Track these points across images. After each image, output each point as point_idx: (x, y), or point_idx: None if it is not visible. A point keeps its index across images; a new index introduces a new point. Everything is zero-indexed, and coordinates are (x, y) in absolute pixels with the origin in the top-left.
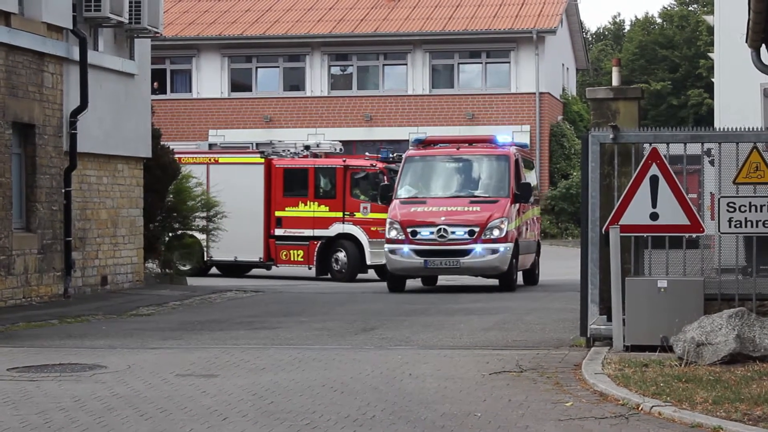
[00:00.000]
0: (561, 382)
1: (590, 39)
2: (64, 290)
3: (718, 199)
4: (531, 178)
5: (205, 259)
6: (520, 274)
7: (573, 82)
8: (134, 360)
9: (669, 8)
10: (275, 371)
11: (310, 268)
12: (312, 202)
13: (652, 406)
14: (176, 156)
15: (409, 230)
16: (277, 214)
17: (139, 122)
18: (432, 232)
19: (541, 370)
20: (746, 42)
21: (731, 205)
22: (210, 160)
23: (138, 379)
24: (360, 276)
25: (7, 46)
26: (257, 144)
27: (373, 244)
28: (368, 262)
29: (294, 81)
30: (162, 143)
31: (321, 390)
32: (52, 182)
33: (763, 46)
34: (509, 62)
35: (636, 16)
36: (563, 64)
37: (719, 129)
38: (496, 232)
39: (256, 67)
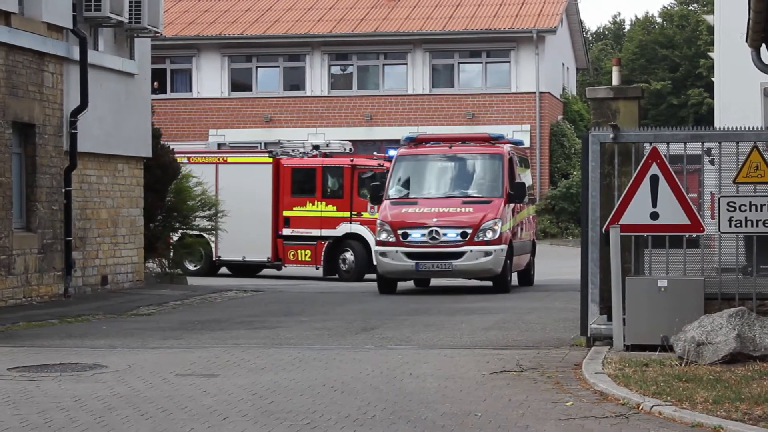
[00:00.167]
0: (561, 382)
1: (590, 38)
2: (64, 290)
3: (719, 198)
4: (526, 176)
5: (214, 258)
6: (515, 275)
7: (573, 81)
8: (135, 359)
9: (669, 8)
10: (275, 371)
11: (317, 268)
12: (319, 202)
13: (653, 406)
14: (185, 155)
15: (399, 232)
16: (285, 213)
17: (139, 122)
18: (423, 234)
19: (542, 369)
20: (746, 41)
21: (731, 204)
22: (219, 159)
23: (138, 379)
24: (368, 276)
25: (8, 46)
26: (266, 144)
27: None
28: (376, 262)
29: (294, 80)
30: (162, 143)
31: (321, 390)
32: (52, 182)
33: (764, 45)
34: (509, 62)
35: (636, 16)
36: (563, 64)
37: (719, 128)
38: (489, 234)
39: (257, 67)
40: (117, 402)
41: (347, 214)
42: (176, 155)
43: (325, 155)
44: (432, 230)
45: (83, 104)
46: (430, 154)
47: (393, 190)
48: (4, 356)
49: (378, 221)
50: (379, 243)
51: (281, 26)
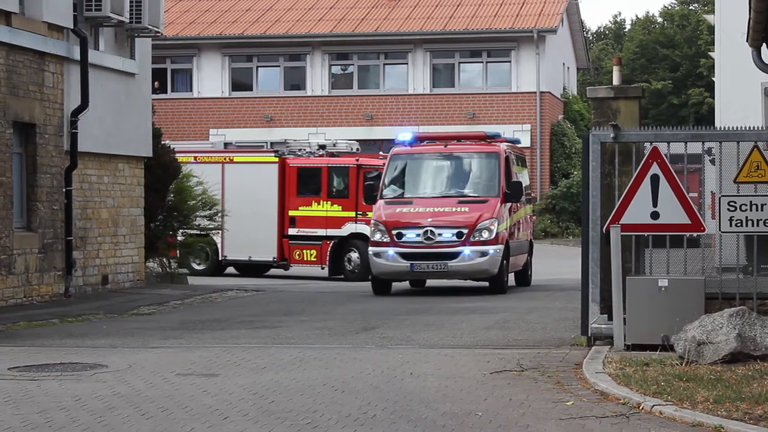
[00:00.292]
0: (562, 381)
1: (591, 38)
2: (65, 289)
3: (719, 198)
4: (523, 175)
5: (220, 258)
6: (512, 276)
7: (574, 81)
8: (135, 359)
9: (670, 7)
10: (276, 370)
11: (323, 268)
12: (325, 202)
13: (653, 405)
14: (192, 155)
15: (394, 232)
16: (291, 213)
17: (139, 121)
18: (418, 234)
19: (542, 369)
20: (747, 41)
21: (732, 204)
22: (225, 159)
23: (139, 379)
24: None
25: (8, 46)
26: (272, 143)
27: None
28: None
29: (295, 80)
30: (163, 142)
31: (322, 389)
32: (52, 181)
33: (764, 45)
34: (510, 61)
35: (637, 15)
36: (564, 64)
37: (720, 128)
38: (485, 234)
39: (257, 67)
40: (118, 401)
41: (353, 214)
42: (183, 154)
43: (332, 155)
44: (427, 230)
45: (84, 104)
46: (426, 153)
47: (388, 190)
48: (4, 356)
49: (372, 221)
50: (373, 243)
51: (282, 26)
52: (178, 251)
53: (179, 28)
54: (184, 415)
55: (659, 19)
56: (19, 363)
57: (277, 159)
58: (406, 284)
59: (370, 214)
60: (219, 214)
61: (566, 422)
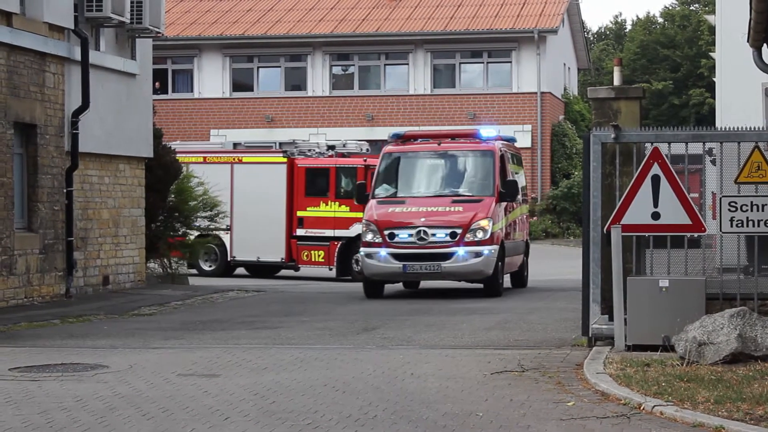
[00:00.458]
0: (563, 382)
1: (592, 38)
2: (65, 290)
3: (720, 198)
4: (520, 175)
5: (229, 259)
6: (507, 277)
7: (574, 81)
8: (136, 360)
9: (670, 8)
10: (277, 371)
11: (330, 269)
12: (333, 202)
13: (654, 406)
14: (202, 155)
15: (386, 232)
16: (299, 214)
17: (140, 122)
18: (411, 235)
19: (543, 369)
20: (747, 41)
21: (733, 204)
22: (234, 159)
23: (140, 379)
24: None
25: (9, 46)
26: (281, 143)
27: None
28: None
29: (295, 81)
30: (164, 143)
31: (323, 390)
32: (53, 182)
33: (765, 45)
34: (511, 62)
35: (637, 16)
36: (565, 64)
37: (721, 128)
38: (480, 234)
39: (258, 67)
40: (118, 402)
41: (360, 215)
42: (192, 155)
43: (343, 155)
44: (420, 230)
45: (84, 104)
46: (419, 151)
47: (380, 189)
48: (5, 356)
49: (363, 221)
50: (364, 244)
51: (283, 26)
52: (186, 251)
53: (180, 28)
54: (185, 416)
55: (660, 20)
56: (20, 363)
57: (285, 159)
58: (401, 285)
59: None
60: (220, 215)
61: (567, 423)
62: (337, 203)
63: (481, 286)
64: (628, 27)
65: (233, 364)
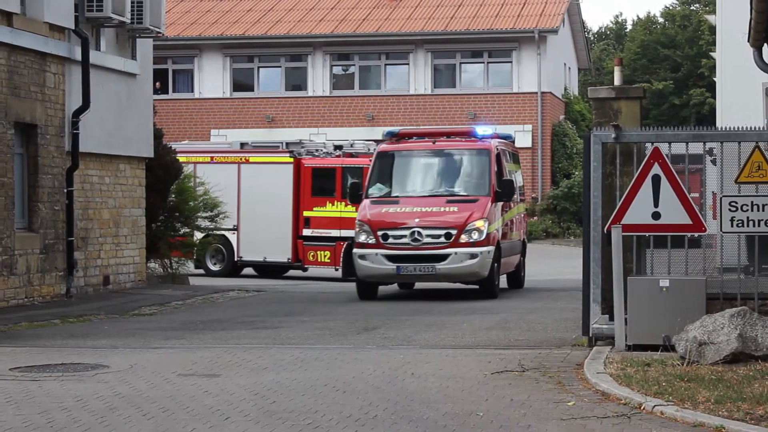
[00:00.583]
0: (563, 382)
1: (592, 38)
2: (66, 290)
3: (720, 198)
4: (517, 174)
5: (236, 259)
6: (504, 277)
7: (575, 81)
8: (136, 360)
9: (671, 8)
10: (277, 371)
11: (336, 269)
12: (339, 202)
13: (654, 406)
14: (209, 155)
15: (379, 233)
16: (305, 214)
17: (141, 122)
18: (405, 236)
19: (543, 369)
20: (748, 41)
21: (733, 204)
22: (241, 159)
23: (140, 379)
24: None
25: (9, 46)
26: (287, 143)
27: None
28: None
29: (296, 81)
30: (165, 143)
31: (323, 389)
32: (54, 182)
33: (765, 45)
34: (511, 62)
35: (638, 16)
36: (565, 64)
37: (721, 128)
38: (475, 235)
39: (258, 67)
40: (119, 402)
41: None
42: (200, 154)
43: (351, 155)
44: (414, 231)
45: (85, 104)
46: (413, 150)
47: (373, 189)
48: (6, 356)
49: (357, 221)
50: (357, 245)
51: (283, 26)
52: (187, 251)
53: (180, 28)
54: (186, 416)
55: (660, 20)
56: (20, 363)
57: (292, 159)
58: (396, 285)
59: None
60: (221, 216)
61: (567, 422)
62: (343, 203)
63: (476, 286)
64: (629, 27)
65: (234, 364)
